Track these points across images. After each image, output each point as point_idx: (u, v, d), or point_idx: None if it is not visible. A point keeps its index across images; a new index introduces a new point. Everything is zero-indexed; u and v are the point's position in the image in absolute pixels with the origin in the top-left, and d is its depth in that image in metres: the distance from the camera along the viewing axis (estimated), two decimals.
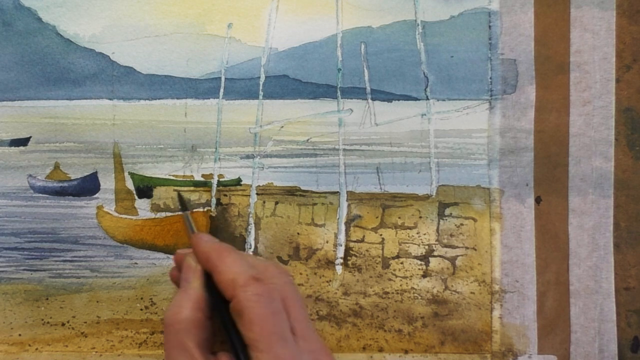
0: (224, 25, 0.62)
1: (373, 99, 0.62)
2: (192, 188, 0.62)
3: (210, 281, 0.49)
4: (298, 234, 0.62)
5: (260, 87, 0.62)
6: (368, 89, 0.62)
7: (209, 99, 0.62)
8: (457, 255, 0.62)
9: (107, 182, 0.62)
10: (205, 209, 0.62)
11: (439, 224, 0.62)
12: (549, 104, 0.61)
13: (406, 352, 0.62)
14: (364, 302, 0.62)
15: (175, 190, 0.62)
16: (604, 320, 0.61)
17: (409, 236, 0.62)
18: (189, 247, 0.52)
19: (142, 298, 0.62)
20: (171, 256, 0.62)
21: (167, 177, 0.62)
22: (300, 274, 0.62)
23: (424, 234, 0.62)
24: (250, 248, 0.62)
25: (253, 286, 0.46)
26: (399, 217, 0.62)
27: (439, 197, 0.62)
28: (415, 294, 0.62)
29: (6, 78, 0.62)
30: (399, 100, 0.62)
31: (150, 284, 0.62)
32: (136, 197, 0.62)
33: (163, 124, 0.62)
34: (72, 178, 0.62)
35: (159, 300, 0.62)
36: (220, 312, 0.48)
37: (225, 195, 0.62)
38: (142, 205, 0.62)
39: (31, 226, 0.62)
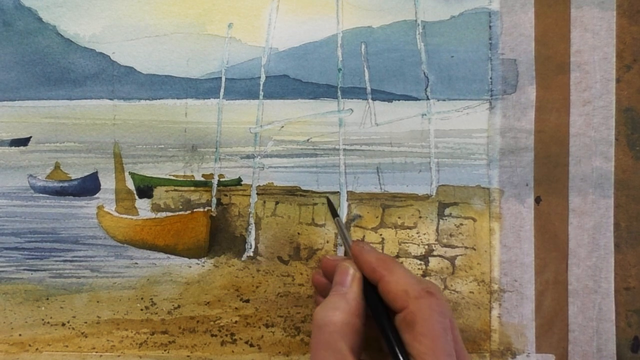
0: (225, 25, 0.62)
1: (373, 99, 0.62)
2: (192, 188, 0.62)
3: (370, 290, 0.50)
4: (298, 234, 0.62)
5: (261, 87, 0.62)
6: (368, 89, 0.62)
7: (209, 99, 0.62)
8: (457, 255, 0.62)
9: (108, 182, 0.62)
10: (206, 209, 0.62)
11: (438, 223, 0.62)
12: (549, 104, 0.61)
13: None
14: None
15: (324, 196, 0.62)
16: (602, 319, 0.61)
17: (408, 236, 0.62)
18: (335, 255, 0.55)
19: (142, 298, 0.62)
20: (171, 256, 0.62)
21: (167, 177, 0.62)
22: (301, 274, 0.62)
23: (424, 234, 0.62)
24: (250, 248, 0.62)
25: (427, 299, 0.47)
26: (399, 217, 0.62)
27: (439, 197, 0.62)
28: None
29: (6, 78, 0.62)
30: (399, 100, 0.62)
31: (151, 284, 0.62)
32: (136, 197, 0.62)
33: (163, 124, 0.62)
34: (72, 178, 0.62)
35: (159, 301, 0.62)
36: (381, 321, 0.48)
37: (226, 195, 0.62)
38: (143, 205, 0.62)
39: (31, 226, 0.62)
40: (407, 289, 0.48)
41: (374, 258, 0.51)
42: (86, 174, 0.62)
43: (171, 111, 0.62)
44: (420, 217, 0.62)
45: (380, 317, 0.49)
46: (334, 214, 0.58)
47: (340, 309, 0.48)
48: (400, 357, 0.46)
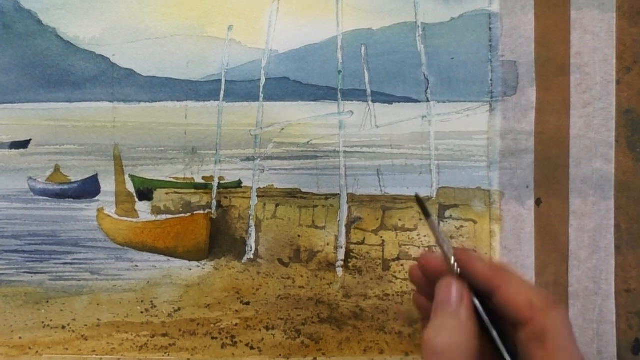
0: (224, 28, 0.62)
1: (373, 101, 0.62)
2: (192, 190, 0.62)
3: (480, 303, 0.47)
4: (299, 236, 0.62)
5: (261, 90, 0.62)
6: (368, 91, 0.62)
7: (209, 101, 0.62)
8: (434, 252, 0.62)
9: (108, 185, 0.62)
10: (206, 212, 0.62)
11: (439, 226, 0.62)
12: (549, 105, 0.61)
13: (407, 354, 0.62)
14: (365, 305, 0.62)
15: (415, 194, 0.60)
16: (603, 321, 0.61)
17: (409, 238, 0.62)
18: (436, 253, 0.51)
19: (142, 301, 0.62)
20: (172, 259, 0.62)
21: (167, 179, 0.62)
22: (301, 276, 0.62)
23: (424, 236, 0.62)
24: (250, 250, 0.62)
25: (556, 310, 0.44)
26: (400, 219, 0.62)
27: (439, 199, 0.62)
28: None
29: (6, 80, 0.62)
30: (399, 102, 0.62)
31: (151, 287, 0.62)
32: (137, 199, 0.62)
33: (163, 126, 0.62)
34: (72, 180, 0.62)
35: (159, 303, 0.62)
36: (499, 334, 0.46)
37: (226, 197, 0.62)
38: (143, 208, 0.62)
39: (31, 229, 0.62)
40: (532, 300, 0.45)
41: (485, 266, 0.48)
42: (86, 176, 0.62)
43: (171, 113, 0.62)
44: (420, 219, 0.62)
45: (494, 331, 0.46)
46: (427, 214, 0.56)
47: (456, 331, 0.45)
48: None
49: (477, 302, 0.47)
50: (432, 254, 0.53)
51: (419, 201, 0.54)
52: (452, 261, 0.49)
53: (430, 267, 0.51)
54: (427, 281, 0.53)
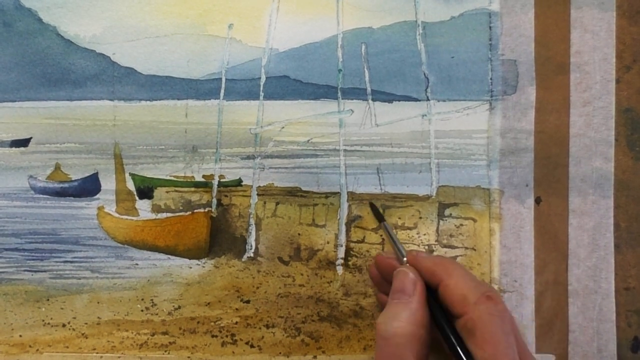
0: (225, 26, 0.62)
1: (374, 100, 0.62)
2: (192, 189, 0.62)
3: (429, 296, 0.49)
4: (299, 234, 0.62)
5: (261, 88, 0.62)
6: (369, 90, 0.62)
7: (209, 99, 0.62)
8: (457, 256, 0.62)
9: (108, 183, 0.62)
10: (206, 210, 0.62)
11: (438, 224, 0.62)
12: (549, 104, 0.61)
13: None
14: (365, 303, 0.62)
15: (369, 202, 0.61)
16: (602, 320, 0.61)
17: (409, 236, 0.62)
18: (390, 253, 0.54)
19: (142, 299, 0.62)
20: (172, 257, 0.62)
21: (168, 177, 0.62)
22: (301, 274, 0.62)
23: (424, 235, 0.62)
24: (251, 249, 0.62)
25: (486, 304, 0.46)
26: (399, 218, 0.62)
27: (439, 198, 0.62)
28: None
29: (7, 79, 0.62)
30: (399, 101, 0.62)
31: (151, 285, 0.62)
32: (137, 197, 0.62)
33: (164, 124, 0.62)
34: (72, 179, 0.62)
35: (159, 301, 0.62)
36: (442, 327, 0.48)
37: (226, 196, 0.62)
38: (143, 206, 0.62)
39: (32, 227, 0.62)
40: (466, 294, 0.47)
41: (430, 262, 0.50)
42: (86, 174, 0.62)
43: (171, 112, 0.62)
44: (420, 217, 0.62)
45: (441, 323, 0.48)
46: (380, 218, 0.57)
47: (405, 320, 0.47)
48: None
49: (427, 293, 0.49)
50: (385, 256, 0.55)
51: (373, 207, 0.57)
52: (404, 257, 0.52)
53: (384, 265, 0.53)
54: (383, 279, 0.55)
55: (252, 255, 0.62)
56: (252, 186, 0.62)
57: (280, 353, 0.62)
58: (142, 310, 0.62)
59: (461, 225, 0.62)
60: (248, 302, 0.62)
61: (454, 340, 0.47)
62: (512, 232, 0.62)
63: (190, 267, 0.62)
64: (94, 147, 0.62)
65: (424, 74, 0.62)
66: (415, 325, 0.47)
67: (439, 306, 0.49)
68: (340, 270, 0.62)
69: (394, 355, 0.46)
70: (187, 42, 0.62)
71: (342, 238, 0.62)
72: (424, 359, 0.47)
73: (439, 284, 0.49)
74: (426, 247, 0.62)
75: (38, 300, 0.62)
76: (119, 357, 0.62)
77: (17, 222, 0.62)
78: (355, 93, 0.62)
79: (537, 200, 0.61)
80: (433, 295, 0.49)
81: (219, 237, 0.62)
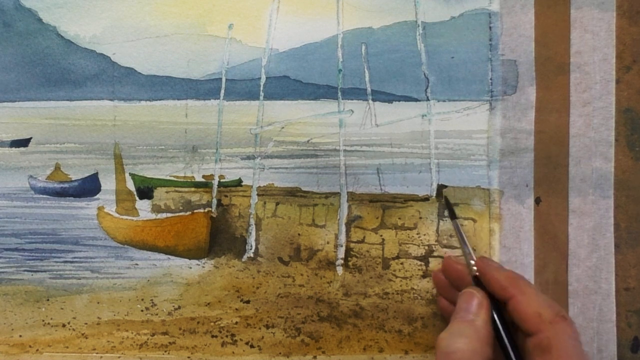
0: (225, 26, 0.62)
1: (374, 100, 0.62)
2: (192, 189, 0.62)
3: (493, 309, 0.49)
4: (299, 234, 0.62)
5: (261, 88, 0.62)
6: (369, 90, 0.62)
7: (209, 99, 0.62)
8: (457, 256, 0.62)
9: (108, 183, 0.62)
10: (206, 210, 0.62)
11: (438, 224, 0.62)
12: (549, 104, 0.61)
13: (406, 352, 0.62)
14: (365, 303, 0.62)
15: (444, 196, 0.61)
16: (602, 320, 0.61)
17: (409, 237, 0.62)
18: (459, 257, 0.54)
19: (142, 299, 0.62)
20: (172, 257, 0.62)
21: (168, 178, 0.62)
22: (301, 275, 0.62)
23: (424, 235, 0.62)
24: (251, 249, 0.62)
25: (563, 324, 0.46)
26: (399, 218, 0.62)
27: (439, 198, 0.62)
28: (415, 295, 0.62)
29: (7, 79, 0.62)
30: (399, 101, 0.62)
31: (151, 285, 0.62)
32: (137, 198, 0.62)
33: (164, 124, 0.62)
34: (72, 179, 0.62)
35: (159, 302, 0.62)
36: (511, 343, 0.48)
37: (226, 196, 0.62)
38: (143, 206, 0.62)
39: (32, 227, 0.62)
40: (541, 312, 0.47)
41: (502, 276, 0.50)
42: (86, 174, 0.62)
43: (171, 112, 0.62)
44: (420, 217, 0.62)
45: (506, 339, 0.48)
46: (452, 215, 0.56)
47: (468, 337, 0.47)
48: None
49: (493, 312, 0.49)
50: (454, 259, 0.55)
51: (447, 202, 0.56)
52: (473, 267, 0.52)
53: (452, 271, 0.54)
54: (448, 284, 0.55)
55: (252, 255, 0.62)
56: (252, 186, 0.62)
57: (280, 353, 0.62)
58: (142, 311, 0.62)
59: (461, 225, 0.62)
60: (248, 302, 0.62)
61: (506, 355, 0.47)
62: (512, 232, 0.62)
63: (190, 267, 0.62)
64: (94, 147, 0.62)
65: (424, 74, 0.62)
66: (479, 342, 0.47)
67: (505, 322, 0.48)
68: (340, 270, 0.62)
69: None
70: (187, 42, 0.62)
71: (342, 238, 0.62)
72: None
73: (509, 299, 0.49)
74: (426, 248, 0.62)
75: (38, 300, 0.62)
76: (119, 357, 0.62)
77: (17, 222, 0.62)
78: (355, 93, 0.62)
79: (537, 201, 0.61)
80: (499, 310, 0.49)
81: (219, 237, 0.62)
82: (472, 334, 0.47)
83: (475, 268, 0.52)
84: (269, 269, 0.62)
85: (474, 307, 0.49)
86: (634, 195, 0.61)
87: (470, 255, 0.53)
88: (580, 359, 0.46)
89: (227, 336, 0.62)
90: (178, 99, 0.62)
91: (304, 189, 0.62)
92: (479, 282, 0.53)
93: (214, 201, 0.62)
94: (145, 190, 0.62)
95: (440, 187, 0.62)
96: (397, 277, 0.62)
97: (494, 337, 0.48)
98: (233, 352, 0.62)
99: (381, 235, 0.62)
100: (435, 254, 0.62)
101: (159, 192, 0.62)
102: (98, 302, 0.62)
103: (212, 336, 0.62)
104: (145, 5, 0.62)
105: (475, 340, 0.47)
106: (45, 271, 0.62)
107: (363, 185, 0.62)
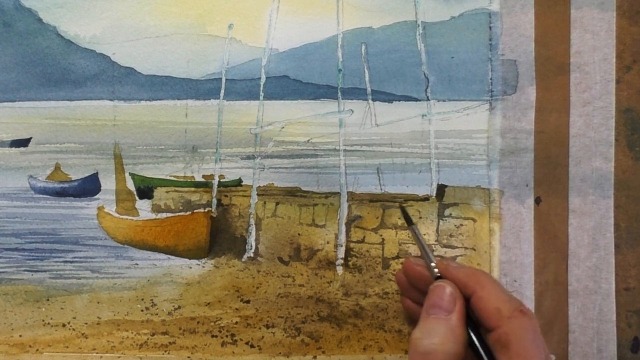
0: (225, 26, 0.62)
1: (374, 100, 0.62)
2: (192, 189, 0.62)
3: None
4: (299, 234, 0.62)
5: (261, 88, 0.62)
6: (369, 90, 0.62)
7: (209, 99, 0.62)
8: (457, 256, 0.62)
9: (108, 183, 0.62)
10: (206, 210, 0.62)
11: (438, 224, 0.62)
12: (549, 104, 0.61)
13: (406, 352, 0.62)
14: (365, 303, 0.62)
15: (400, 205, 0.61)
16: (602, 320, 0.61)
17: (409, 236, 0.62)
18: (418, 259, 0.53)
19: (142, 299, 0.62)
20: (172, 257, 0.62)
21: (168, 177, 0.62)
22: (301, 274, 0.62)
23: (424, 234, 0.62)
24: (251, 249, 0.62)
25: (520, 319, 0.46)
26: (399, 218, 0.62)
27: (439, 198, 0.62)
28: None
29: (7, 79, 0.62)
30: (399, 100, 0.62)
31: (151, 285, 0.62)
32: (137, 197, 0.62)
33: (164, 124, 0.62)
34: (72, 179, 0.62)
35: (159, 301, 0.62)
36: (476, 340, 0.47)
37: (226, 195, 0.62)
38: (143, 206, 0.62)
39: (32, 227, 0.62)
40: (500, 307, 0.46)
41: (462, 273, 0.49)
42: (86, 174, 0.62)
43: (171, 112, 0.62)
44: (420, 217, 0.62)
45: (473, 337, 0.47)
46: (409, 221, 0.56)
47: (445, 337, 0.46)
48: None
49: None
50: (414, 260, 0.54)
51: (403, 211, 0.56)
52: (434, 269, 0.51)
53: (412, 272, 0.53)
54: (411, 285, 0.54)
55: (252, 255, 0.62)
56: (252, 186, 0.62)
57: (280, 353, 0.62)
58: (142, 310, 0.62)
59: (461, 225, 0.62)
60: (248, 302, 0.62)
61: (483, 355, 0.46)
62: (512, 232, 0.62)
63: (190, 267, 0.62)
64: (94, 147, 0.62)
65: (424, 74, 0.62)
66: (456, 342, 0.46)
67: (472, 319, 0.48)
68: (340, 270, 0.62)
69: None
70: (187, 42, 0.62)
71: (342, 238, 0.62)
72: None
73: (471, 296, 0.48)
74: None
75: (38, 300, 0.62)
76: (119, 357, 0.62)
77: (17, 222, 0.62)
78: (355, 93, 0.62)
79: (537, 201, 0.61)
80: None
81: (219, 237, 0.62)
82: (449, 333, 0.46)
83: (436, 270, 0.51)
84: (269, 268, 0.62)
85: (447, 302, 0.48)
86: (634, 195, 0.61)
87: (429, 257, 0.51)
88: (539, 353, 0.45)
89: (227, 336, 0.62)
90: (178, 99, 0.62)
91: (304, 188, 0.62)
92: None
93: (214, 201, 0.62)
94: (145, 190, 0.62)
95: (441, 187, 0.62)
96: None
97: (467, 335, 0.48)
98: (233, 352, 0.62)
99: (381, 235, 0.62)
100: (435, 253, 0.62)
101: (159, 192, 0.62)
102: (98, 302, 0.62)
103: (212, 336, 0.62)
104: (145, 5, 0.62)
105: (453, 341, 0.46)
106: (45, 271, 0.62)
107: (363, 185, 0.62)
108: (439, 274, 0.51)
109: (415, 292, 0.54)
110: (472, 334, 0.47)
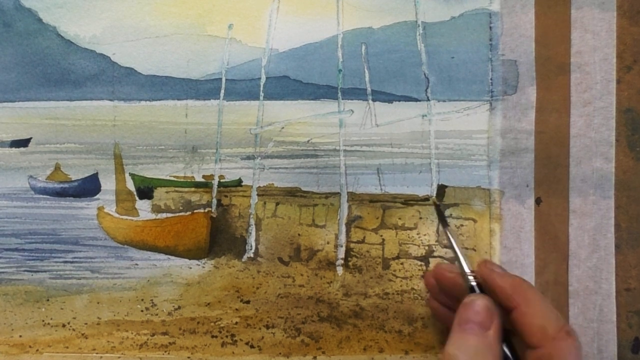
0: (225, 26, 0.62)
1: (374, 100, 0.62)
2: (192, 189, 0.62)
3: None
4: (299, 235, 0.62)
5: (261, 88, 0.62)
6: (369, 90, 0.62)
7: (209, 99, 0.62)
8: (449, 264, 0.62)
9: (108, 183, 0.62)
10: (206, 210, 0.62)
11: (439, 224, 0.62)
12: (549, 104, 0.61)
13: (406, 352, 0.62)
14: (365, 303, 0.62)
15: (435, 203, 0.60)
16: (603, 321, 0.61)
17: (409, 237, 0.62)
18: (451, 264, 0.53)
19: (142, 299, 0.62)
20: (172, 257, 0.62)
21: (168, 178, 0.62)
22: (301, 275, 0.62)
23: (424, 235, 0.62)
24: (251, 249, 0.62)
25: (566, 342, 0.45)
26: (399, 218, 0.62)
27: (438, 199, 0.62)
28: (416, 295, 0.62)
29: (7, 79, 0.62)
30: (399, 101, 0.62)
31: (151, 285, 0.62)
32: (137, 198, 0.62)
33: (164, 125, 0.62)
34: (72, 179, 0.62)
35: (159, 302, 0.62)
36: (509, 355, 0.47)
37: (226, 196, 0.62)
38: (143, 206, 0.62)
39: (32, 227, 0.62)
40: (546, 326, 0.45)
41: (508, 284, 0.48)
42: (86, 175, 0.62)
43: (171, 112, 0.62)
44: (420, 218, 0.62)
45: (509, 354, 0.47)
46: (444, 223, 0.55)
47: (482, 355, 0.45)
48: None
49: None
50: (447, 267, 0.53)
51: (438, 209, 0.55)
52: (469, 277, 0.50)
53: (445, 280, 0.52)
54: (440, 288, 0.53)
55: (252, 255, 0.62)
56: (252, 186, 0.62)
57: (280, 353, 0.62)
58: (142, 311, 0.62)
59: (461, 225, 0.62)
60: (248, 302, 0.62)
61: None
62: (513, 233, 0.61)
63: (190, 268, 0.62)
64: (94, 147, 0.62)
65: (424, 74, 0.62)
66: (492, 358, 0.45)
67: (508, 334, 0.47)
68: (340, 270, 0.62)
69: None
70: (187, 43, 0.62)
71: (342, 238, 0.62)
72: None
73: (513, 309, 0.47)
74: (427, 248, 0.62)
75: (38, 300, 0.62)
76: (119, 357, 0.62)
77: (17, 222, 0.62)
78: (355, 93, 0.62)
79: (538, 201, 0.61)
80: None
81: (219, 238, 0.62)
82: (485, 350, 0.45)
83: (471, 278, 0.49)
84: (269, 269, 0.62)
85: (485, 318, 0.46)
86: (635, 196, 0.61)
87: (466, 266, 0.50)
88: None
89: (227, 336, 0.62)
90: (178, 99, 0.62)
91: (304, 189, 0.62)
92: (481, 288, 0.50)
93: (214, 201, 0.62)
94: (145, 190, 0.62)
95: (441, 187, 0.62)
96: (397, 277, 0.62)
97: (502, 351, 0.46)
98: (233, 353, 0.62)
99: (381, 236, 0.62)
100: (435, 254, 0.62)
101: (159, 192, 0.62)
102: (98, 302, 0.62)
103: (212, 336, 0.62)
104: (145, 5, 0.62)
105: (488, 355, 0.45)
106: (45, 271, 0.62)
107: (363, 186, 0.62)
108: (473, 283, 0.49)
109: (445, 296, 0.53)
110: (507, 351, 0.46)
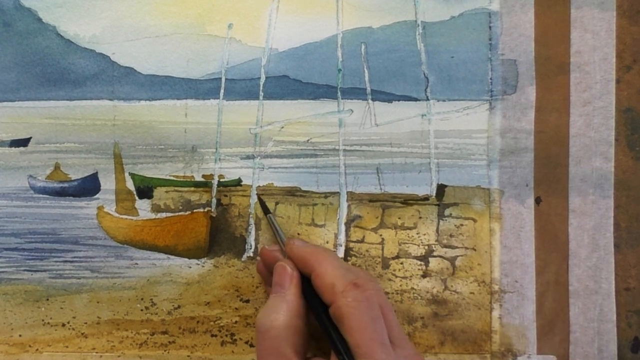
0: (224, 26, 0.62)
1: (373, 100, 0.62)
2: (192, 188, 0.62)
3: (306, 285, 0.50)
4: (298, 234, 0.62)
5: (261, 88, 0.62)
6: (368, 90, 0.62)
7: (209, 99, 0.62)
8: (457, 256, 0.62)
9: (108, 183, 0.62)
10: (206, 210, 0.62)
11: (438, 224, 0.62)
12: (549, 104, 0.61)
13: None
14: None
15: (257, 195, 0.62)
16: (603, 320, 0.61)
17: (408, 236, 0.62)
18: (274, 246, 0.56)
19: (142, 299, 0.62)
20: (171, 257, 0.62)
21: (167, 177, 0.62)
22: None
23: (424, 235, 0.62)
24: (250, 248, 0.62)
25: (353, 292, 0.47)
26: (399, 218, 0.62)
27: (439, 198, 0.62)
28: (415, 294, 0.62)
29: (6, 78, 0.62)
30: (399, 100, 0.62)
31: (151, 285, 0.62)
32: (136, 197, 0.62)
33: (163, 124, 0.62)
34: (72, 178, 0.62)
35: (159, 301, 0.62)
36: (319, 316, 0.49)
37: (226, 195, 0.62)
38: (143, 206, 0.62)
39: (31, 227, 0.62)
40: (335, 282, 0.47)
41: (303, 251, 0.51)
42: (86, 174, 0.62)
43: (171, 112, 0.62)
44: (420, 217, 0.62)
45: (315, 313, 0.49)
46: (266, 211, 0.59)
47: (281, 312, 0.48)
48: (341, 350, 0.46)
49: (304, 284, 0.51)
50: (268, 247, 0.57)
51: (260, 201, 0.60)
52: (283, 248, 0.54)
53: (269, 258, 0.55)
54: (268, 271, 0.56)
55: (251, 254, 0.62)
56: (251, 186, 0.62)
57: None
58: (141, 310, 0.62)
59: (461, 225, 0.62)
60: (248, 301, 0.62)
61: (331, 331, 0.47)
62: (513, 232, 0.61)
63: (190, 267, 0.62)
64: (94, 146, 0.62)
65: (424, 74, 0.62)
66: (290, 316, 0.48)
67: (313, 295, 0.49)
68: None
69: (271, 347, 0.47)
70: (187, 42, 0.62)
71: (342, 238, 0.62)
72: (302, 349, 0.48)
73: (311, 273, 0.49)
74: (426, 247, 0.62)
75: (38, 300, 0.62)
76: (119, 356, 0.62)
77: (16, 221, 0.62)
78: (355, 93, 0.62)
79: (537, 200, 0.61)
80: (309, 285, 0.50)
81: (219, 237, 0.62)
82: (285, 308, 0.48)
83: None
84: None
85: (286, 280, 0.50)
86: (634, 195, 0.61)
87: (282, 240, 0.54)
88: (372, 322, 0.46)
89: (226, 335, 0.62)
90: (178, 99, 0.62)
91: (303, 188, 0.62)
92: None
93: (214, 201, 0.62)
94: (145, 189, 0.62)
95: (441, 187, 0.62)
96: (396, 276, 0.62)
97: (305, 307, 0.49)
98: (232, 352, 0.62)
99: (381, 235, 0.62)
100: (435, 254, 0.62)
101: (158, 192, 0.62)
102: (98, 302, 0.62)
103: (212, 335, 0.62)
104: (144, 5, 0.62)
105: (287, 315, 0.48)
106: (44, 271, 0.62)
107: (362, 185, 0.62)
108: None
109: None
110: (316, 311, 0.49)
